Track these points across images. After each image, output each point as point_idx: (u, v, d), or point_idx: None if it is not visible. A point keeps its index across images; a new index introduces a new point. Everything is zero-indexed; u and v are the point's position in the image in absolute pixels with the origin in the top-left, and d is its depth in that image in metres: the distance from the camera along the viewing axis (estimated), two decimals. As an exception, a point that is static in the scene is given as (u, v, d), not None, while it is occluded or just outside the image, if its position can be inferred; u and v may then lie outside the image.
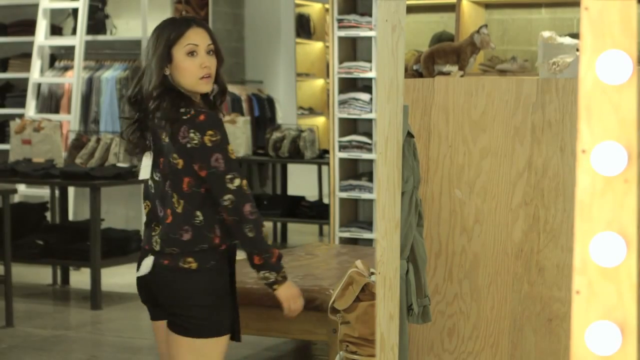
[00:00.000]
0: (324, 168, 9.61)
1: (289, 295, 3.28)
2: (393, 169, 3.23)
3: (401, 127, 3.27)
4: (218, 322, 3.19)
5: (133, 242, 7.46)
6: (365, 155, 7.19)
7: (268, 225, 9.66)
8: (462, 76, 4.47)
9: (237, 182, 3.09)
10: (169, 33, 3.17)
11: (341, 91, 7.24)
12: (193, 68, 3.14)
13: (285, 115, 11.08)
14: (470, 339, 4.28)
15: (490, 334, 4.25)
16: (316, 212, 9.29)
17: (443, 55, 4.97)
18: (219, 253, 3.18)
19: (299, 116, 11.15)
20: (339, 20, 7.18)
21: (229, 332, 3.23)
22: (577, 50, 4.51)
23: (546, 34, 4.58)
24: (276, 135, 9.36)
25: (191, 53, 3.15)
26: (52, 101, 9.54)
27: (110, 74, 9.48)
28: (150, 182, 3.26)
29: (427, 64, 4.97)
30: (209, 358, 3.19)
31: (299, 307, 3.35)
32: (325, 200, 9.48)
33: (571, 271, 1.81)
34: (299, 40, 11.31)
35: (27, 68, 9.61)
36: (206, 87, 3.18)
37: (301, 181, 10.52)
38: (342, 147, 7.25)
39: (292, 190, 10.01)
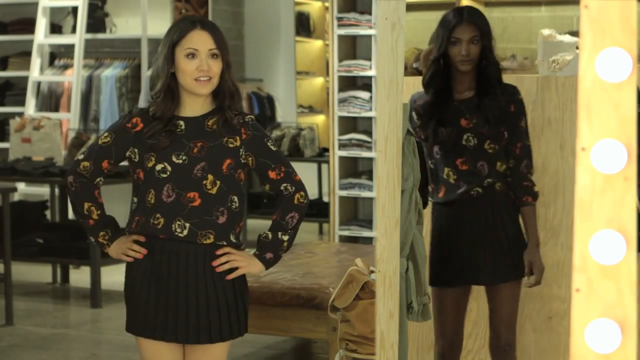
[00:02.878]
0: (324, 166, 9.61)
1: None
2: (393, 167, 3.23)
3: (401, 125, 3.27)
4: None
5: (133, 241, 7.46)
6: (365, 154, 7.19)
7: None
8: (461, 74, 4.46)
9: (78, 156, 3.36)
10: (174, 33, 3.21)
11: (341, 89, 7.24)
12: (190, 69, 3.16)
13: (285, 113, 11.07)
14: (470, 337, 4.28)
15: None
16: (316, 210, 9.28)
17: (443, 53, 4.96)
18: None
19: (298, 114, 11.15)
20: (339, 19, 7.17)
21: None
22: (577, 48, 4.51)
23: (546, 31, 4.58)
24: (276, 133, 9.36)
25: (190, 55, 3.17)
26: (51, 99, 9.54)
27: (110, 72, 9.48)
28: None
29: (427, 62, 4.96)
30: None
31: None
32: (325, 199, 9.48)
33: (571, 269, 1.81)
34: (298, 38, 11.30)
35: (26, 66, 9.61)
36: (203, 89, 3.18)
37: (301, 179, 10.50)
38: (342, 146, 7.25)
39: (292, 189, 9.97)
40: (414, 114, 3.87)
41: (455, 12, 3.87)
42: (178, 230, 3.14)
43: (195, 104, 3.23)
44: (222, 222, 3.17)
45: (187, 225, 3.14)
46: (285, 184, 3.27)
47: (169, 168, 3.15)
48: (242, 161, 3.21)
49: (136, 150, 3.20)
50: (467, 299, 3.95)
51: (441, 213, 3.88)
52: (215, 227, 3.16)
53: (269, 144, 3.25)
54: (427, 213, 4.08)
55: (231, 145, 3.19)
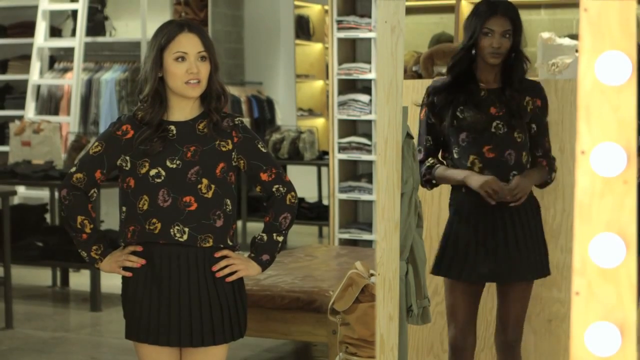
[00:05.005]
0: (324, 169, 9.61)
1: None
2: (392, 170, 3.23)
3: (400, 128, 3.27)
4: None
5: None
6: (365, 157, 7.19)
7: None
8: (461, 77, 4.46)
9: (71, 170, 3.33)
10: (161, 37, 3.21)
11: (340, 92, 7.24)
12: (179, 73, 3.16)
13: (284, 116, 11.07)
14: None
15: (490, 335, 4.24)
16: (316, 213, 9.28)
17: (442, 56, 4.98)
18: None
19: (298, 117, 11.15)
20: (339, 22, 7.18)
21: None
22: (577, 51, 4.52)
23: (545, 34, 4.58)
24: (276, 136, 9.36)
25: (180, 58, 3.17)
26: (51, 103, 9.54)
27: (110, 76, 9.48)
28: None
29: (426, 65, 4.97)
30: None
31: None
32: (325, 202, 9.48)
33: (570, 272, 1.81)
34: (298, 41, 11.30)
35: (26, 70, 9.62)
36: (193, 92, 3.18)
37: (300, 182, 10.46)
38: (342, 149, 7.25)
39: (291, 192, 9.97)
40: (436, 98, 3.83)
41: (489, 3, 3.82)
42: (177, 235, 3.14)
43: (184, 108, 3.23)
44: (220, 225, 3.18)
45: (187, 230, 3.14)
46: (276, 185, 3.28)
47: (163, 173, 3.15)
48: (234, 164, 3.23)
49: (128, 157, 3.20)
50: (480, 295, 3.92)
51: (463, 202, 3.83)
52: (213, 230, 3.17)
53: (259, 145, 3.28)
54: (441, 202, 4.08)
55: (224, 149, 3.20)
